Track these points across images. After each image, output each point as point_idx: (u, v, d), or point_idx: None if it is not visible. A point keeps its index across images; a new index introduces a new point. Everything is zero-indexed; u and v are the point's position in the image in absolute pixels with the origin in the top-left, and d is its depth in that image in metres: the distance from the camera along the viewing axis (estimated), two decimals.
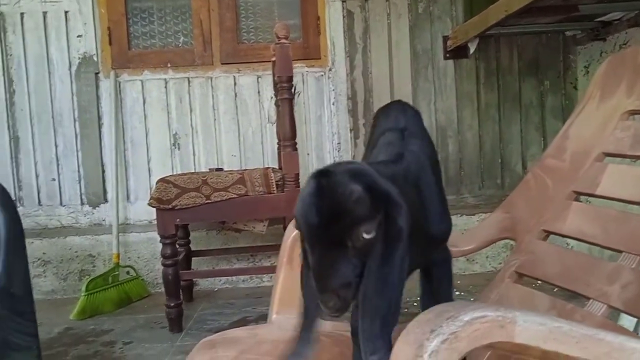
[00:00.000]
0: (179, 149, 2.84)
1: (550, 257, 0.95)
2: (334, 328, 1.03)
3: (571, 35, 2.74)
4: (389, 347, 0.60)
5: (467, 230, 1.07)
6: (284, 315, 1.01)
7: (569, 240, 1.08)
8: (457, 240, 1.06)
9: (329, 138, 2.85)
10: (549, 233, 1.00)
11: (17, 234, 1.06)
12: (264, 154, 2.85)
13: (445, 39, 2.77)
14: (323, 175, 0.65)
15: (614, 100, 1.02)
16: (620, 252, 0.86)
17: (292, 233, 1.02)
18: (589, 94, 1.07)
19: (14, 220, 1.06)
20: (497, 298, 0.98)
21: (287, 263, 1.02)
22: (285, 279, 1.01)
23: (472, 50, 2.56)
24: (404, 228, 0.64)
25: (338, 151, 2.85)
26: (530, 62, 2.83)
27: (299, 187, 2.18)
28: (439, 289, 0.90)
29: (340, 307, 0.62)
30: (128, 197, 2.84)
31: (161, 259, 2.16)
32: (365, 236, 0.62)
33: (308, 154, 2.84)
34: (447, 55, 2.78)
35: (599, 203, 0.98)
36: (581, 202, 1.01)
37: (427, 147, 0.90)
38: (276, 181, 2.20)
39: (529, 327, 0.44)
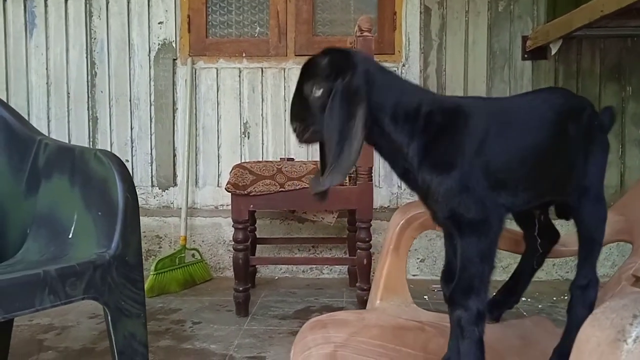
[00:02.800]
0: (248, 137, 2.89)
1: None
2: (438, 319, 1.03)
3: None
4: (338, 176, 0.83)
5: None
6: (388, 302, 1.02)
7: None
8: (568, 240, 1.03)
9: None
10: None
11: (133, 205, 1.11)
12: None
13: (525, 39, 2.71)
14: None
15: None
16: None
17: (400, 220, 1.02)
18: None
19: (130, 192, 1.10)
20: None
21: (393, 250, 1.02)
22: (391, 265, 1.02)
23: (553, 52, 2.49)
24: (353, 89, 0.83)
25: None
26: (612, 66, 2.74)
27: (371, 180, 2.18)
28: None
29: (299, 134, 0.88)
30: (196, 182, 2.91)
31: (233, 243, 2.21)
32: (317, 91, 0.85)
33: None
34: (526, 55, 2.72)
35: None
36: None
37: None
38: (349, 174, 2.21)
39: None
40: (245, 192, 2.15)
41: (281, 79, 2.86)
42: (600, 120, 1.02)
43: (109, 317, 1.04)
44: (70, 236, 1.17)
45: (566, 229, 1.17)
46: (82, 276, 0.98)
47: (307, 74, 0.89)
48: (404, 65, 2.81)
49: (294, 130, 0.90)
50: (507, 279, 1.23)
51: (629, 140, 2.75)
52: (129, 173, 1.13)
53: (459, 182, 0.82)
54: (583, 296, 0.95)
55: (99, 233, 1.10)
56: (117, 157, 1.15)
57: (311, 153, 2.86)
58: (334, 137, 0.81)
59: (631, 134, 2.74)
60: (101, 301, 1.03)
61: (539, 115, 0.92)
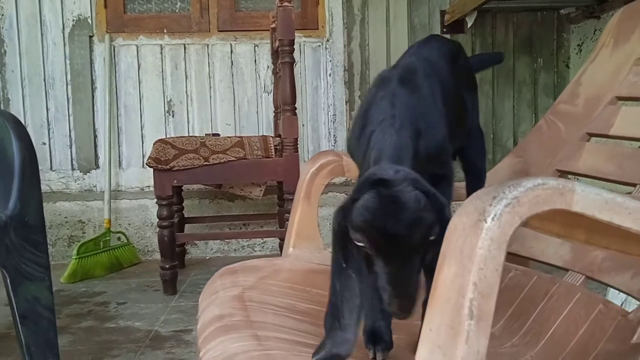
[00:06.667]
0: (173, 116, 2.82)
1: None
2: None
3: (565, 14, 2.79)
4: None
5: None
6: (301, 249, 1.02)
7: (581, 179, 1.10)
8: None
9: (325, 109, 2.86)
10: (562, 172, 1.02)
11: (32, 163, 1.05)
12: (258, 123, 2.84)
13: (443, 13, 2.79)
14: (386, 185, 0.67)
15: (628, 47, 1.04)
16: (635, 185, 0.89)
17: (310, 168, 1.03)
18: (601, 42, 1.10)
19: (28, 150, 1.05)
20: None
21: (304, 198, 1.02)
22: (303, 213, 1.02)
23: (469, 24, 2.58)
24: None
25: (333, 123, 2.86)
26: (524, 39, 2.87)
27: (297, 152, 2.19)
28: None
29: (412, 309, 0.66)
30: (120, 164, 2.81)
31: (157, 220, 2.16)
32: (432, 239, 0.66)
33: (303, 125, 2.84)
34: (444, 30, 2.80)
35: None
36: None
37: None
38: (275, 146, 2.20)
39: (587, 196, 0.46)
40: (168, 167, 2.09)
41: (205, 55, 2.80)
42: (469, 61, 1.07)
43: (8, 280, 0.99)
44: None
45: None
46: None
47: (422, 223, 0.66)
48: (327, 41, 2.82)
49: (407, 311, 0.66)
50: None
51: (541, 109, 2.90)
52: (27, 131, 1.08)
53: None
54: None
55: None
56: (13, 115, 1.09)
57: (238, 129, 2.83)
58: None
59: (543, 104, 2.89)
60: None
61: (440, 65, 0.94)
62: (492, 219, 0.44)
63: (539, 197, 0.45)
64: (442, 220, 0.66)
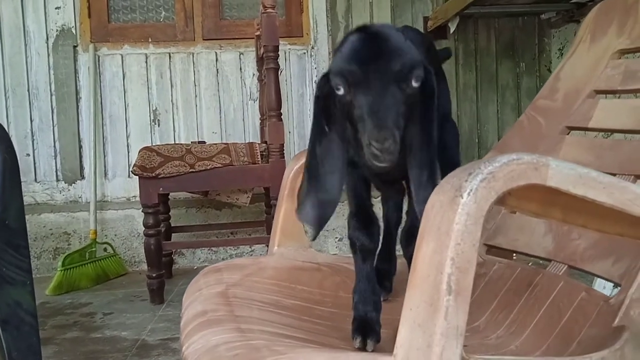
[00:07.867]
0: (158, 125, 2.81)
1: None
2: (334, 260, 1.04)
3: (546, 19, 2.83)
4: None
5: None
6: (286, 247, 1.02)
7: None
8: None
9: (311, 117, 2.86)
10: None
11: (12, 165, 1.04)
12: (245, 131, 2.84)
13: (426, 19, 2.82)
14: (368, 28, 0.68)
15: (605, 42, 1.06)
16: (614, 175, 0.90)
17: (294, 166, 1.03)
18: (579, 38, 1.11)
19: (8, 152, 1.04)
20: (494, 227, 1.01)
21: (288, 196, 1.02)
22: (287, 212, 1.02)
23: (452, 30, 2.61)
24: (435, 88, 0.69)
25: None
26: (507, 44, 2.91)
27: (283, 157, 2.19)
28: None
29: (393, 150, 0.60)
30: (106, 174, 2.79)
31: (144, 229, 2.14)
32: (414, 84, 0.65)
33: (289, 132, 2.84)
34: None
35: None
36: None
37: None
38: (261, 152, 2.20)
39: (561, 171, 0.46)
40: (154, 175, 2.08)
41: (190, 63, 2.80)
42: (437, 52, 1.09)
43: None
44: None
45: None
46: None
47: (402, 55, 0.64)
48: (312, 48, 2.84)
49: (387, 148, 0.60)
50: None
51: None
52: (7, 133, 1.06)
53: None
54: None
55: None
56: None
57: (224, 137, 2.83)
58: (432, 142, 0.67)
59: (526, 107, 2.90)
60: None
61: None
62: (468, 194, 0.45)
63: (513, 171, 0.46)
64: (428, 79, 0.67)
